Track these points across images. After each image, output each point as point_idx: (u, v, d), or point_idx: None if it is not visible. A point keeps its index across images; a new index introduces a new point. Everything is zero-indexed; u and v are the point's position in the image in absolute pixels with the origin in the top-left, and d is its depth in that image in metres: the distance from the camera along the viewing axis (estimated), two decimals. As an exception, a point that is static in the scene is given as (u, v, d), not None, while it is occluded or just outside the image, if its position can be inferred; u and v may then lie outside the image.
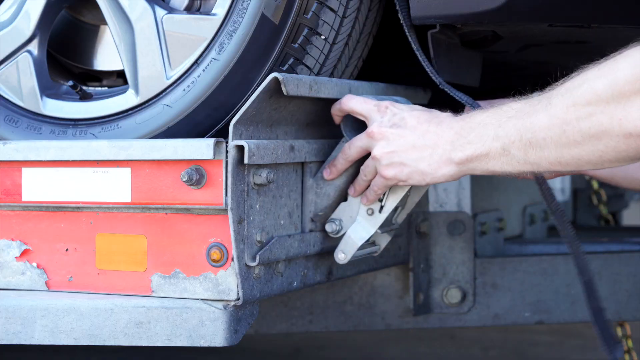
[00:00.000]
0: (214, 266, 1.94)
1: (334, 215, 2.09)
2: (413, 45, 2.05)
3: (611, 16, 2.08)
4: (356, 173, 2.06)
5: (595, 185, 3.41)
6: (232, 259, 1.91)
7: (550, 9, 2.05)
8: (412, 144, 1.90)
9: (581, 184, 3.51)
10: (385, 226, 2.12)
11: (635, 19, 2.07)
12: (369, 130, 1.96)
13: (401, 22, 2.06)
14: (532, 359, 4.56)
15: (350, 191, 2.05)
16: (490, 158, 1.79)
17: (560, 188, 3.41)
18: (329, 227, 2.09)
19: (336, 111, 2.03)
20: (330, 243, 2.13)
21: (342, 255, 2.07)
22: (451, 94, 2.04)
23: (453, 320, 2.64)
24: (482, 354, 4.64)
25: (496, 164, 1.79)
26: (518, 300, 2.62)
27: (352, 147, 2.00)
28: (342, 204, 2.09)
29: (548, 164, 1.71)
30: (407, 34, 2.06)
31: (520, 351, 4.64)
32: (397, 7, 2.06)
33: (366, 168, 2.00)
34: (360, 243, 2.06)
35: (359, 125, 2.08)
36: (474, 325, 2.64)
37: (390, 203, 2.05)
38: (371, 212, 2.06)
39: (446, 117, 1.91)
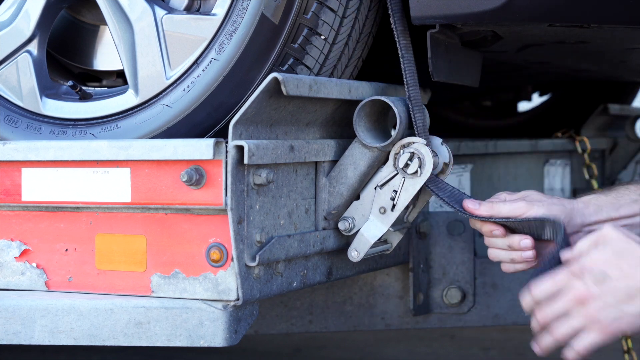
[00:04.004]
0: (213, 266, 1.94)
1: (346, 214, 2.13)
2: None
3: (611, 16, 2.07)
4: (372, 174, 2.09)
5: (595, 185, 3.41)
6: (232, 259, 1.91)
7: (550, 9, 2.05)
8: (627, 294, 1.87)
9: (581, 184, 3.51)
10: (397, 224, 2.16)
11: (635, 19, 2.06)
12: (577, 295, 1.91)
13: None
14: (532, 359, 4.55)
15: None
16: None
17: (560, 188, 3.41)
18: (341, 225, 2.13)
19: (529, 305, 2.00)
20: (330, 243, 2.13)
21: (356, 253, 2.11)
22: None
23: (453, 320, 2.63)
24: (482, 354, 4.63)
25: None
26: (518, 300, 2.61)
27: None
28: (355, 203, 2.13)
29: None
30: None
31: (520, 351, 4.63)
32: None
33: None
34: (373, 241, 2.10)
35: (372, 125, 2.10)
36: (474, 325, 2.64)
37: (403, 202, 2.09)
38: (383, 211, 2.09)
39: None
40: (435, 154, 2.10)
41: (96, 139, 2.14)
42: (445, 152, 2.14)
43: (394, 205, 2.09)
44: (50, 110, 2.21)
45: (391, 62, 2.17)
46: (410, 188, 2.08)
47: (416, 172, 2.07)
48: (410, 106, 2.09)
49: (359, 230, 2.12)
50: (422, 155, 2.06)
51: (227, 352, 4.24)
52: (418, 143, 2.07)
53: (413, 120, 2.08)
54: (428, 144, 2.08)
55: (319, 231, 2.10)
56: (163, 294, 1.98)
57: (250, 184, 1.92)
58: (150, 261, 1.99)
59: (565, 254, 1.93)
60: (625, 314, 1.89)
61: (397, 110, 2.05)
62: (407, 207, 2.13)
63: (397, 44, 2.10)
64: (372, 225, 2.10)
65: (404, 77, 2.10)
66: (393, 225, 2.13)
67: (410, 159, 2.07)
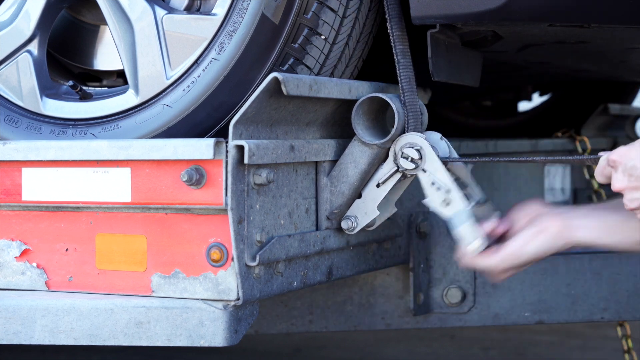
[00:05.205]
0: (214, 266, 1.94)
1: (349, 213, 2.13)
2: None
3: (611, 16, 2.08)
4: (372, 172, 2.09)
5: (595, 184, 3.41)
6: (232, 259, 1.91)
7: (549, 9, 2.05)
8: None
9: (581, 184, 3.51)
10: (473, 205, 2.12)
11: (635, 19, 2.07)
12: (613, 188, 1.95)
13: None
14: (532, 359, 4.55)
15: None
16: None
17: (560, 188, 3.41)
18: (344, 224, 2.13)
19: (602, 178, 2.01)
20: (331, 243, 2.13)
21: (473, 245, 2.07)
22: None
23: (453, 320, 2.63)
24: (482, 354, 4.64)
25: None
26: (518, 300, 2.61)
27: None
28: (357, 201, 2.13)
29: None
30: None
31: (520, 351, 4.63)
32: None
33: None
34: (474, 226, 2.07)
35: (371, 123, 2.09)
36: (474, 325, 2.63)
37: (447, 180, 2.06)
38: (447, 203, 2.07)
39: None
40: (434, 148, 2.09)
41: (96, 139, 2.14)
42: (445, 147, 2.13)
43: (447, 190, 2.08)
44: (50, 110, 2.21)
45: (391, 62, 2.17)
46: (436, 171, 2.06)
47: (420, 157, 2.06)
48: (405, 112, 2.09)
49: (362, 228, 2.12)
50: (417, 145, 2.06)
51: (227, 352, 4.24)
52: (407, 135, 2.06)
53: (406, 126, 2.08)
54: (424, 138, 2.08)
55: (319, 231, 2.10)
56: (163, 294, 1.98)
57: (250, 184, 1.92)
58: (150, 261, 1.99)
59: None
60: None
61: (395, 106, 2.05)
62: (462, 185, 2.11)
63: (394, 49, 2.10)
64: (456, 219, 2.07)
65: (400, 82, 2.10)
66: (472, 205, 2.10)
67: (411, 157, 2.06)
